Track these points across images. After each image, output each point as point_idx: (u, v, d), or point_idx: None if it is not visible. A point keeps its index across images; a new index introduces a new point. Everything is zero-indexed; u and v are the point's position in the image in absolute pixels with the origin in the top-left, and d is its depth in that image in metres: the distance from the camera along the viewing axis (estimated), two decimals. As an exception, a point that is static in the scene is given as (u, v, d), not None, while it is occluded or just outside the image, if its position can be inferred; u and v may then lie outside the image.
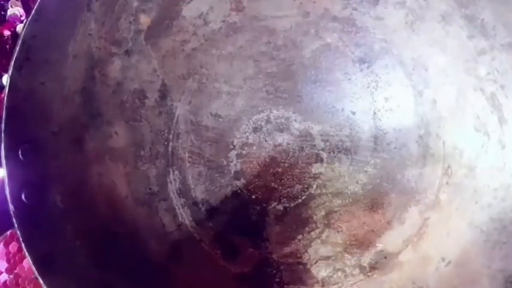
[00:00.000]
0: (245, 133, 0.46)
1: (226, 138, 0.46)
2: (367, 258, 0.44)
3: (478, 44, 0.39)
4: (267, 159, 0.45)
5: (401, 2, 0.42)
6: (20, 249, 0.48)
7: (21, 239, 0.33)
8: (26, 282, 0.48)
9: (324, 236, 0.45)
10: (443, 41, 0.41)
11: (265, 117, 0.46)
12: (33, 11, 0.34)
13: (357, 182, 0.45)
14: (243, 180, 0.45)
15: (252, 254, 0.45)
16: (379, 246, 0.44)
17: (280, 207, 0.45)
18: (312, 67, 0.45)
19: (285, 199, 0.45)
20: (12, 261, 0.48)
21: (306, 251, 0.45)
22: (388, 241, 0.44)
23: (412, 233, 0.43)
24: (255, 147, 0.46)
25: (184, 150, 0.45)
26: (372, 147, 0.45)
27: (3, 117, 0.34)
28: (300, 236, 0.45)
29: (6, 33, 0.50)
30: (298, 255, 0.45)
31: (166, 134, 0.45)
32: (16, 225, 0.33)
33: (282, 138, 0.46)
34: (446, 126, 0.43)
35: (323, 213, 0.45)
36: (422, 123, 0.44)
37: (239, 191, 0.45)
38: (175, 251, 0.44)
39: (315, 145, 0.45)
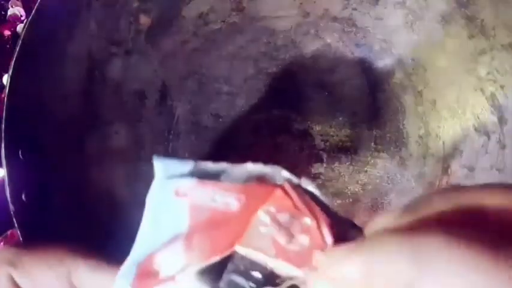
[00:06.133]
0: (245, 133, 0.46)
1: (226, 138, 0.46)
2: (367, 258, 0.44)
3: (478, 44, 0.39)
4: (267, 160, 0.45)
5: (401, 2, 0.42)
6: (20, 249, 0.48)
7: (21, 239, 0.33)
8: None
9: (324, 236, 0.45)
10: (443, 41, 0.41)
11: (265, 117, 0.46)
12: (33, 11, 0.34)
13: (357, 182, 0.45)
14: (243, 180, 0.45)
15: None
16: (379, 246, 0.44)
17: (280, 207, 0.45)
18: (312, 67, 0.45)
19: (285, 199, 0.45)
20: (12, 261, 0.48)
21: (306, 251, 0.45)
22: (388, 241, 0.44)
23: (412, 233, 0.43)
24: (255, 147, 0.46)
25: (185, 150, 0.45)
26: (372, 147, 0.45)
27: (4, 117, 0.33)
28: (300, 236, 0.45)
29: (7, 33, 0.50)
30: (298, 255, 0.45)
31: (166, 134, 0.45)
32: (16, 225, 0.33)
33: (282, 138, 0.46)
34: (446, 126, 0.42)
35: (323, 213, 0.45)
36: (422, 123, 0.44)
37: (239, 191, 0.45)
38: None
39: (315, 145, 0.45)
